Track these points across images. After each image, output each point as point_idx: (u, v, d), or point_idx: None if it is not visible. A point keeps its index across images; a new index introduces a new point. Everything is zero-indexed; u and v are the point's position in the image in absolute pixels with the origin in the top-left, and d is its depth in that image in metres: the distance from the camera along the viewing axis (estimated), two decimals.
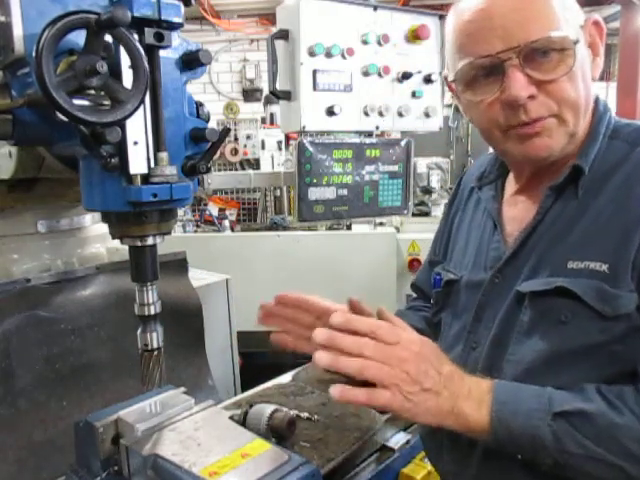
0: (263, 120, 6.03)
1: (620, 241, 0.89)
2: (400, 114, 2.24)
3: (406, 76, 2.21)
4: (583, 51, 0.95)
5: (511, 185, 1.13)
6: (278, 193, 5.59)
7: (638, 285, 0.87)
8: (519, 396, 0.89)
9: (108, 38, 0.84)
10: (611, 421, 0.83)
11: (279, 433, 1.20)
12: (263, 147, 5.65)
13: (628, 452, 0.82)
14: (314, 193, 2.24)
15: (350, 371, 0.88)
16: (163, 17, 0.88)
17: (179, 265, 1.68)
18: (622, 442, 0.82)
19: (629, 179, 0.92)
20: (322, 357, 0.89)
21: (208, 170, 1.01)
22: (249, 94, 7.18)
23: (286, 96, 2.08)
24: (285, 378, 1.70)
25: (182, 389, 1.12)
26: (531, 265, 0.98)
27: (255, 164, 5.82)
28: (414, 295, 1.48)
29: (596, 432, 0.84)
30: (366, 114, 2.19)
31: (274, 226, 4.33)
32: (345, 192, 2.31)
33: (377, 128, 2.27)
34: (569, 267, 0.92)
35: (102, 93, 0.84)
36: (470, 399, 0.90)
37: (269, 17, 6.51)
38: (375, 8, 2.15)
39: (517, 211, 1.08)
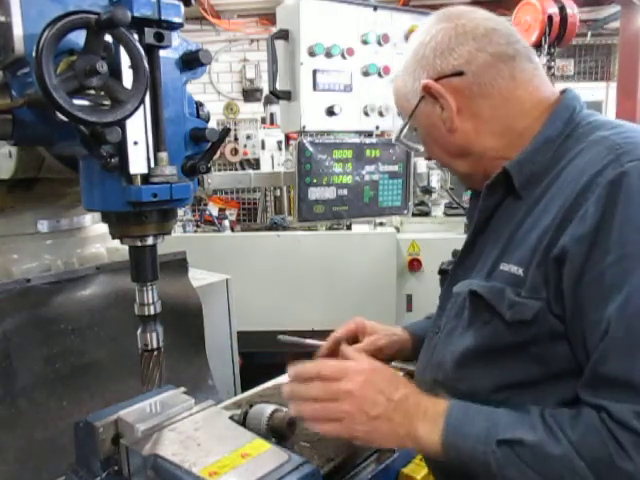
0: (263, 120, 6.03)
1: (531, 247, 0.90)
2: (400, 114, 2.24)
3: None
4: (424, 118, 1.06)
5: None
6: (278, 193, 5.59)
7: (550, 291, 0.87)
8: (470, 420, 0.90)
9: (108, 38, 0.84)
10: (548, 452, 0.82)
11: (279, 433, 1.20)
12: (263, 147, 5.65)
13: None
14: (314, 193, 2.24)
15: (307, 417, 0.97)
16: (163, 17, 0.88)
17: (179, 265, 1.68)
18: (559, 472, 0.82)
19: (559, 176, 0.93)
20: (290, 409, 1.00)
21: (208, 170, 1.01)
22: (249, 94, 7.18)
23: (286, 96, 2.08)
24: (285, 378, 1.69)
25: (182, 389, 1.12)
26: (478, 263, 1.03)
27: (255, 164, 5.83)
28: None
29: (535, 461, 0.84)
30: (366, 114, 2.19)
31: (274, 226, 4.32)
32: (345, 192, 2.31)
33: (377, 128, 2.27)
34: (500, 268, 0.95)
35: (102, 93, 0.84)
36: (425, 421, 0.92)
37: (269, 17, 6.51)
38: (375, 8, 2.15)
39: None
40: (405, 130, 1.13)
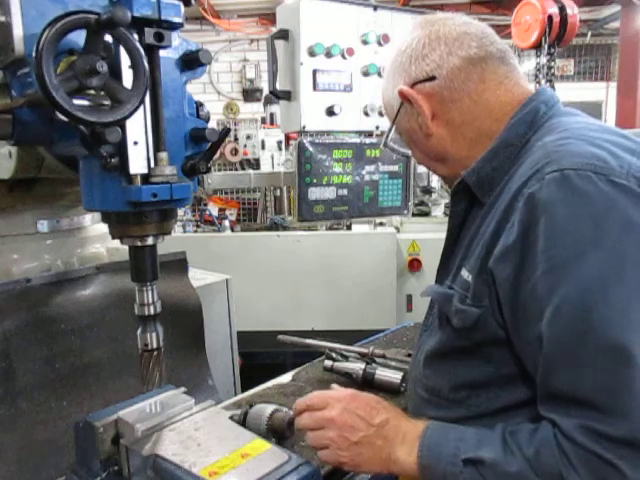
0: (263, 120, 6.03)
1: (477, 254, 0.91)
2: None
3: None
4: (404, 122, 1.08)
5: None
6: (278, 193, 5.58)
7: (492, 299, 0.88)
8: (444, 440, 0.90)
9: (108, 38, 0.84)
10: (506, 470, 0.82)
11: (279, 433, 1.20)
12: (263, 147, 5.65)
13: None
14: (314, 193, 2.24)
15: (311, 446, 1.02)
16: (163, 17, 0.88)
17: (179, 265, 1.68)
18: None
19: (508, 182, 0.92)
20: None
21: (208, 170, 1.01)
22: (249, 94, 7.18)
23: (286, 96, 2.08)
24: (285, 378, 1.70)
25: (182, 389, 1.12)
26: (449, 267, 1.05)
27: (255, 164, 5.82)
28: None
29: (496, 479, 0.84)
30: (366, 114, 2.19)
31: (274, 226, 4.32)
32: (345, 192, 2.31)
33: (377, 128, 2.27)
34: (460, 274, 0.96)
35: (102, 93, 0.84)
36: (404, 444, 0.93)
37: (269, 17, 6.51)
38: (375, 8, 2.15)
39: None
40: (391, 134, 1.15)
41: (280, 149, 5.52)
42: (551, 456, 0.78)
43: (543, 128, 0.95)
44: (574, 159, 0.81)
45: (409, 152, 1.18)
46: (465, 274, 0.94)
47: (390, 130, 1.14)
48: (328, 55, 2.05)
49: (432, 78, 1.00)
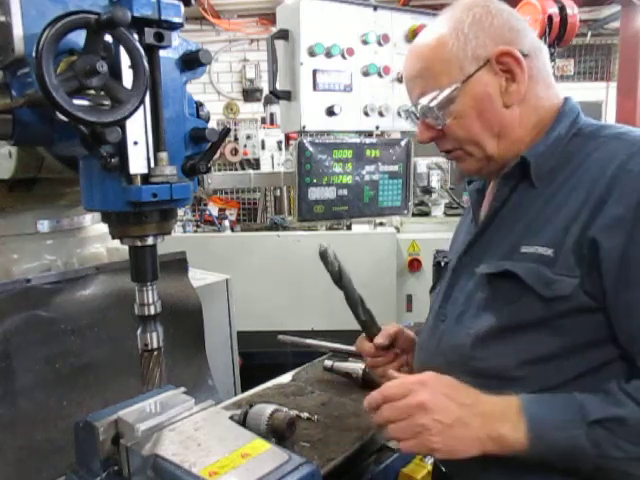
0: (263, 120, 6.02)
1: (563, 228, 0.95)
2: (400, 114, 2.24)
3: None
4: (480, 86, 1.02)
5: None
6: (278, 193, 5.58)
7: (583, 269, 0.92)
8: (551, 409, 0.92)
9: (108, 38, 0.84)
10: None
11: (279, 433, 1.20)
12: (263, 147, 5.64)
13: None
14: (314, 193, 2.24)
15: (394, 439, 0.98)
16: (163, 17, 0.88)
17: (179, 265, 1.68)
18: None
19: (581, 166, 0.99)
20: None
21: (208, 170, 1.01)
22: (249, 94, 7.17)
23: (286, 96, 2.08)
24: (285, 378, 1.70)
25: (182, 389, 1.12)
26: (492, 248, 1.07)
27: (255, 164, 5.82)
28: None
29: (633, 433, 0.88)
30: (366, 114, 2.18)
31: (274, 226, 4.33)
32: (345, 192, 2.31)
33: (377, 128, 2.26)
34: (522, 251, 0.99)
35: (102, 93, 0.84)
36: (504, 420, 0.92)
37: (269, 17, 6.50)
38: (375, 8, 2.15)
39: (487, 201, 1.18)
40: (441, 98, 1.03)
41: (280, 149, 5.52)
42: None
43: (586, 127, 1.05)
44: None
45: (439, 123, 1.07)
46: (538, 249, 0.97)
47: (444, 93, 1.03)
48: (328, 55, 2.05)
49: (524, 54, 1.01)
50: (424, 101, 1.06)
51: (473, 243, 1.13)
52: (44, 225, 1.49)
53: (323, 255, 1.23)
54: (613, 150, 0.97)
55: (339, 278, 1.24)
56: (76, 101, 0.80)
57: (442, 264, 1.30)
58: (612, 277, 0.90)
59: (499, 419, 0.93)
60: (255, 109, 6.99)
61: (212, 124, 1.07)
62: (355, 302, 1.28)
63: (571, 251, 0.93)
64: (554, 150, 1.03)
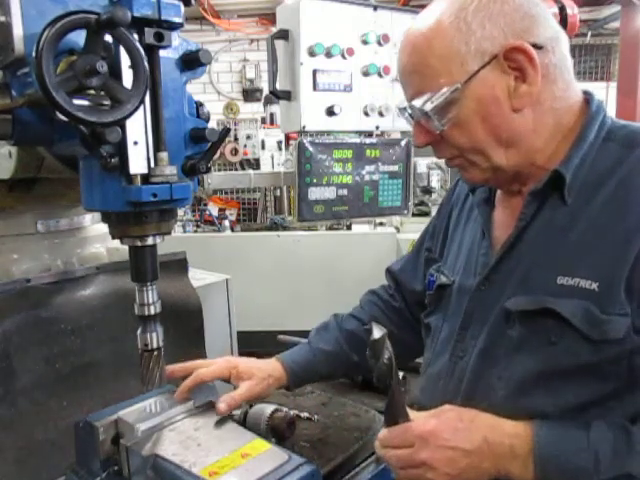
0: (263, 120, 6.02)
1: (612, 256, 0.83)
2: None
3: None
4: (485, 87, 0.88)
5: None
6: (278, 193, 5.59)
7: (634, 304, 0.82)
8: (563, 450, 0.84)
9: (108, 38, 0.84)
10: None
11: (279, 433, 1.20)
12: (263, 147, 5.65)
13: None
14: (314, 193, 2.24)
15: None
16: (163, 17, 0.88)
17: (179, 265, 1.68)
18: None
19: (624, 185, 0.87)
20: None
21: (208, 170, 1.01)
22: (249, 94, 7.17)
23: (286, 96, 2.08)
24: None
25: None
26: (519, 276, 0.94)
27: (255, 164, 5.82)
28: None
29: None
30: (366, 114, 2.19)
31: (274, 226, 4.33)
32: (345, 192, 2.31)
33: (377, 128, 2.27)
34: (559, 283, 0.87)
35: (102, 93, 0.84)
36: (515, 459, 0.85)
37: (269, 17, 6.50)
38: (375, 8, 2.15)
39: (504, 216, 1.03)
40: (438, 101, 0.88)
41: (280, 149, 5.52)
42: None
43: (617, 128, 0.93)
44: None
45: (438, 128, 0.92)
46: (579, 282, 0.85)
47: (443, 94, 0.88)
48: (328, 55, 2.05)
49: (539, 47, 0.86)
50: (418, 103, 0.91)
51: (495, 268, 0.98)
52: (44, 225, 1.49)
53: (376, 346, 0.84)
54: None
55: (388, 375, 0.86)
56: (76, 101, 0.80)
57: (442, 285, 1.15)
58: None
59: (508, 458, 0.85)
60: (255, 109, 7.00)
61: (212, 124, 1.07)
62: (397, 407, 0.91)
63: (622, 284, 0.82)
64: (586, 160, 0.91)
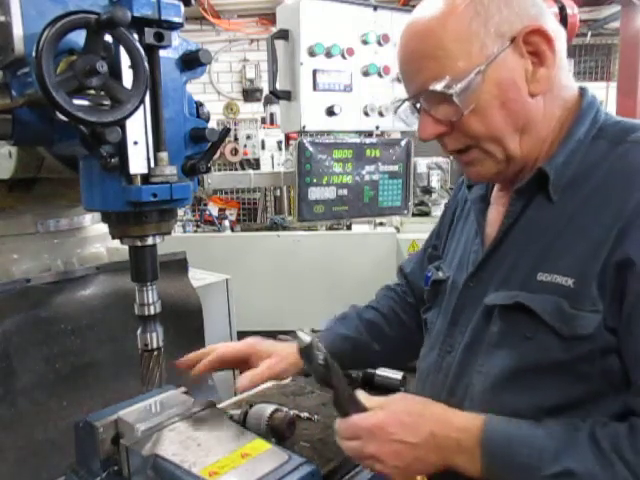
0: (263, 120, 6.03)
1: (588, 253, 0.83)
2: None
3: None
4: (505, 71, 0.86)
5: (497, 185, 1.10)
6: (278, 193, 5.59)
7: (605, 300, 0.81)
8: (509, 446, 0.83)
9: (108, 38, 0.84)
10: None
11: (279, 433, 1.20)
12: (263, 147, 5.65)
13: None
14: (314, 193, 2.24)
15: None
16: (163, 17, 0.88)
17: (179, 265, 1.68)
18: None
19: (604, 182, 0.86)
20: None
21: (208, 170, 1.01)
22: (249, 94, 7.18)
23: (286, 96, 2.08)
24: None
25: (182, 389, 1.12)
26: (502, 273, 0.95)
27: (255, 164, 5.82)
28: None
29: None
30: (366, 114, 2.19)
31: (274, 226, 4.33)
32: (345, 192, 2.31)
33: (377, 128, 2.27)
34: (538, 279, 0.87)
35: (102, 93, 0.84)
36: (462, 452, 0.86)
37: (269, 17, 6.50)
38: (375, 8, 2.15)
39: (497, 213, 1.03)
40: (462, 84, 0.85)
41: (280, 149, 5.53)
42: None
43: (608, 125, 0.91)
44: None
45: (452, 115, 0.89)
46: (556, 278, 0.85)
47: (474, 75, 0.85)
48: (328, 55, 2.05)
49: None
50: (438, 87, 0.86)
51: (482, 265, 0.99)
52: (44, 225, 1.49)
53: (307, 351, 0.88)
54: None
55: (327, 375, 0.90)
56: (76, 101, 0.80)
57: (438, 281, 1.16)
58: (629, 308, 0.80)
59: (455, 451, 0.86)
60: (255, 109, 7.00)
61: (212, 124, 1.07)
62: (344, 401, 0.93)
63: (595, 281, 0.81)
64: (574, 158, 0.90)
